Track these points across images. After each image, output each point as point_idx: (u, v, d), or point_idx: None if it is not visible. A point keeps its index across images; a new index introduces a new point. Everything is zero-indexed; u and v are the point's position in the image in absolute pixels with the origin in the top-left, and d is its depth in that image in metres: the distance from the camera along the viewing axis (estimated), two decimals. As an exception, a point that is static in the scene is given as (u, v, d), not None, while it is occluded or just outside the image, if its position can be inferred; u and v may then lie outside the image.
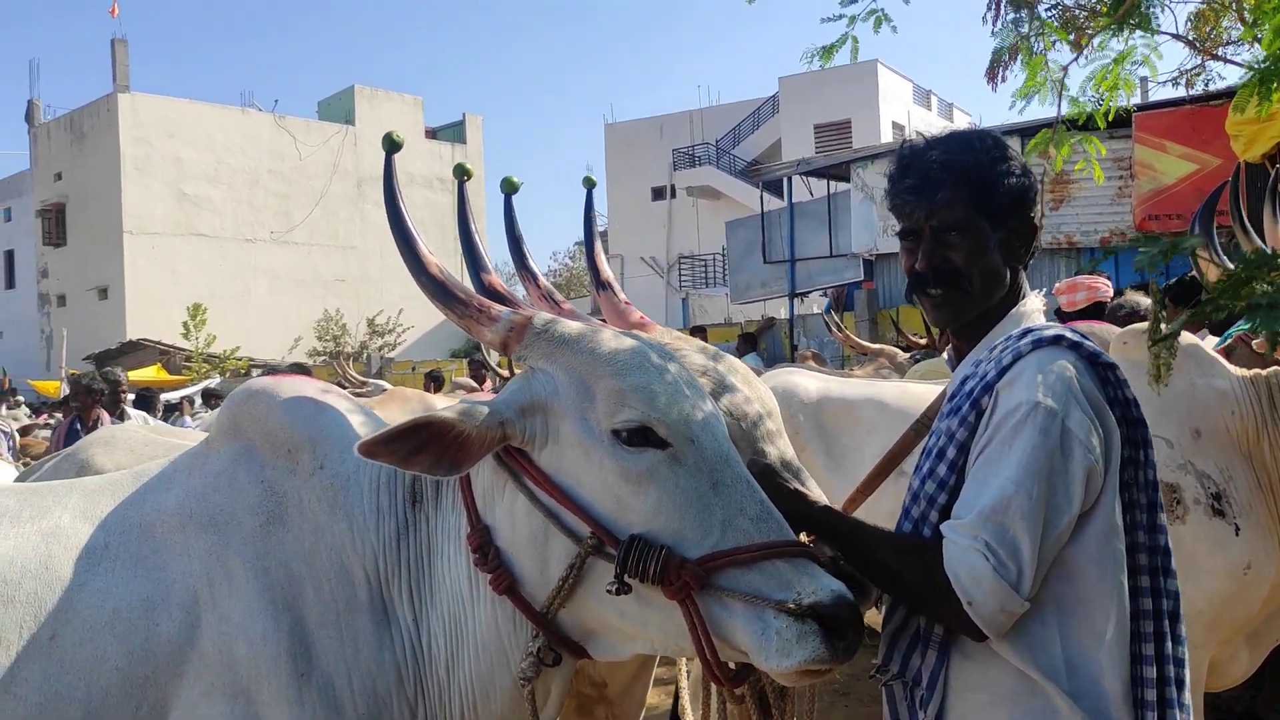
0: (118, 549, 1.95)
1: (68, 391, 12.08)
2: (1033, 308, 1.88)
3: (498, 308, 1.95)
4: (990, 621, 1.62)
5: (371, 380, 12.16)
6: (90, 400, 7.78)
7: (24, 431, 10.32)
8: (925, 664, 1.75)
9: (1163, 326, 1.52)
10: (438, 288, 1.96)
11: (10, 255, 40.84)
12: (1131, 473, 1.73)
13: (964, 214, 1.84)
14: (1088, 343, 1.77)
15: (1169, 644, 1.72)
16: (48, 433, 10.21)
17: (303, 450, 2.00)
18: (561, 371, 1.86)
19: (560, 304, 2.21)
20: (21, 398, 18.78)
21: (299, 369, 8.94)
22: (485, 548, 1.86)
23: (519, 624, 1.88)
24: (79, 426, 7.53)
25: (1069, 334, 1.76)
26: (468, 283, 2.06)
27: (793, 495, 1.89)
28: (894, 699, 1.81)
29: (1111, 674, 1.67)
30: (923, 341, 8.57)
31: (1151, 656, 1.69)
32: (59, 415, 11.28)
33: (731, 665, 1.79)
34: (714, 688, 2.10)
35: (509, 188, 2.29)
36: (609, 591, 1.72)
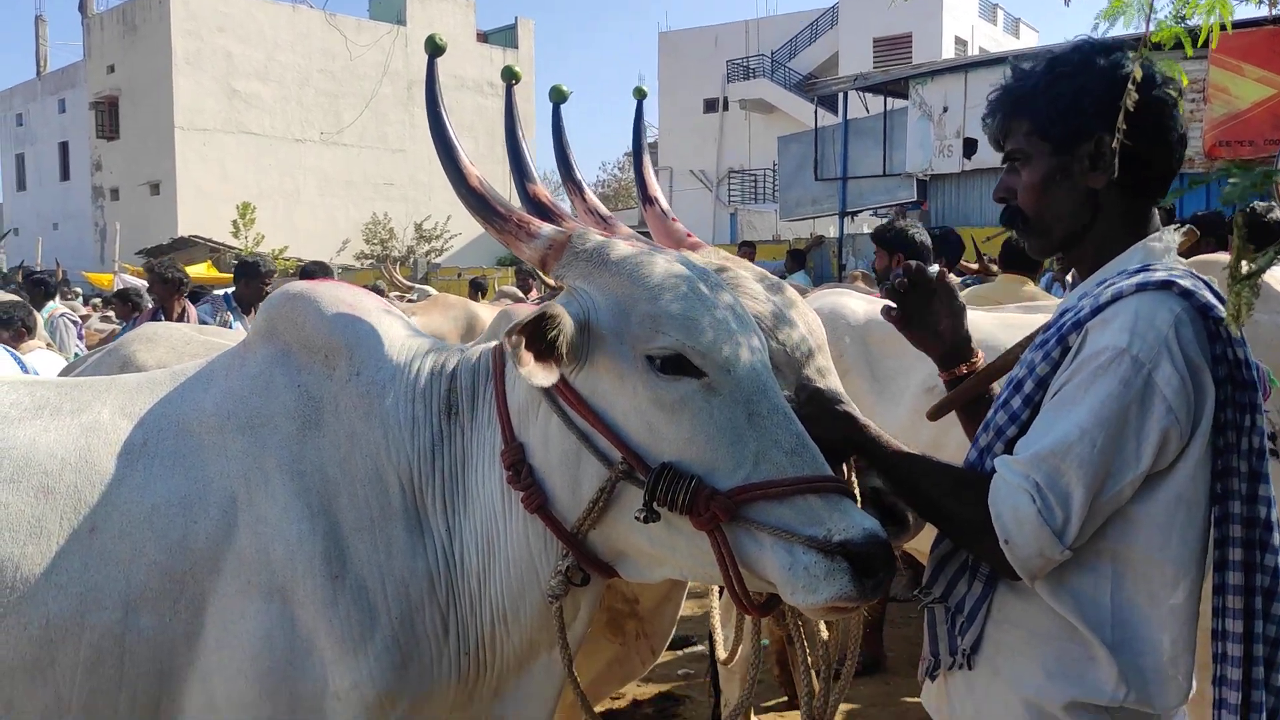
0: (155, 447, 1.96)
1: (120, 286, 12.21)
2: (1160, 245, 1.74)
3: (537, 224, 1.90)
4: (1025, 564, 1.58)
5: (417, 285, 12.21)
6: (168, 290, 7.26)
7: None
8: (970, 593, 1.72)
9: (1245, 265, 1.42)
10: (477, 200, 1.92)
11: (65, 147, 41.23)
12: (1232, 438, 1.62)
13: (1024, 142, 1.76)
14: (1203, 292, 1.63)
15: (1260, 622, 1.63)
16: (105, 325, 10.32)
17: (339, 356, 1.99)
18: (599, 293, 1.81)
19: (607, 218, 2.16)
20: (79, 290, 19.12)
21: (318, 267, 8.71)
22: (518, 465, 1.85)
23: (549, 542, 1.87)
24: (161, 319, 7.01)
25: (1183, 280, 1.63)
26: (513, 191, 2.01)
27: (842, 417, 1.85)
28: (934, 622, 1.78)
29: (1164, 635, 1.62)
30: (974, 267, 8.38)
31: (1238, 634, 1.62)
32: (109, 312, 11.36)
33: (760, 595, 1.77)
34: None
35: (558, 96, 2.23)
36: (637, 518, 1.71)
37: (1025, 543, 1.57)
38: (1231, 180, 1.56)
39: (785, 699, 5.15)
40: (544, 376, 1.71)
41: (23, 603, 1.84)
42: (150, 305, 7.78)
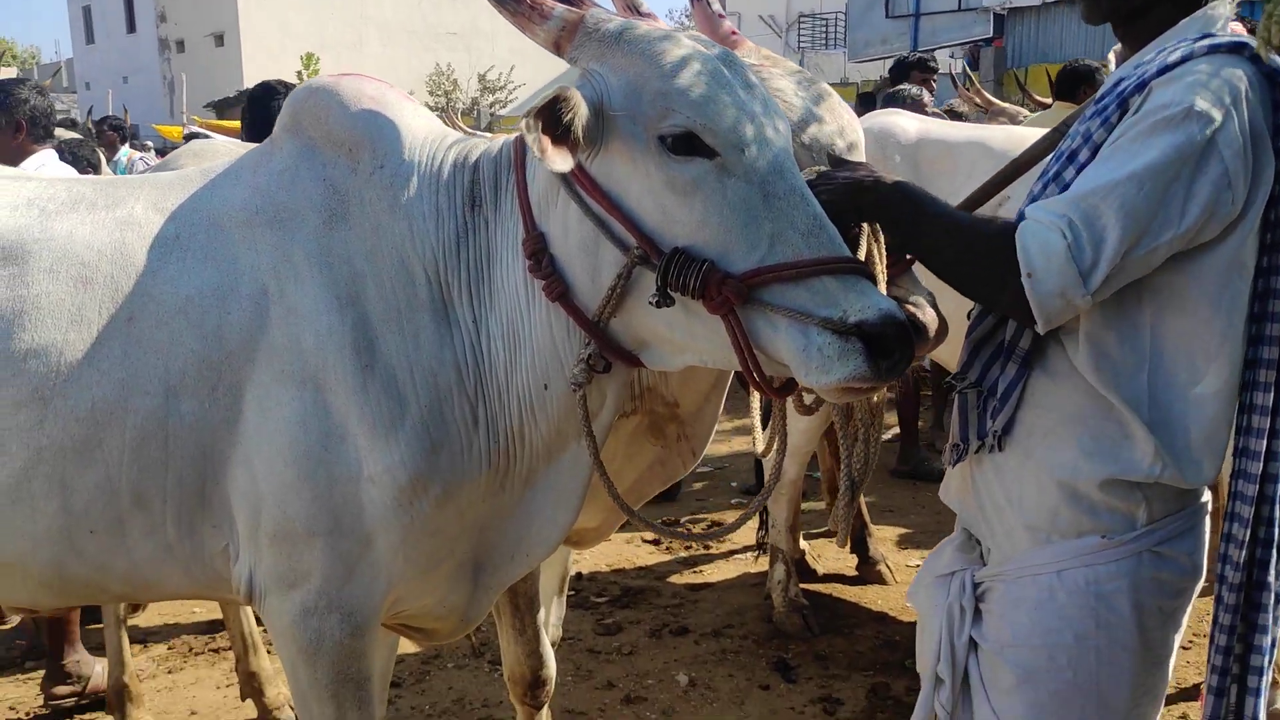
0: (188, 240, 1.99)
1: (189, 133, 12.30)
2: (1218, 14, 1.66)
3: (550, 3, 1.84)
4: (1045, 302, 1.54)
5: (480, 133, 12.08)
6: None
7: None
8: (1004, 376, 1.70)
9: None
10: None
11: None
12: None
13: None
14: (1275, 59, 1.56)
15: None
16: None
17: (363, 149, 1.99)
18: (612, 74, 1.76)
19: (646, 13, 2.08)
20: (149, 142, 19.32)
21: None
22: (539, 254, 1.85)
23: (572, 331, 1.88)
24: None
25: (1254, 43, 1.56)
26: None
27: (850, 185, 1.79)
28: (965, 407, 1.77)
29: (1202, 410, 1.60)
30: (1049, 103, 8.05)
31: (1266, 407, 1.60)
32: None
33: (778, 378, 1.77)
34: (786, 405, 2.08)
35: None
36: (651, 304, 1.71)
37: (1048, 278, 1.52)
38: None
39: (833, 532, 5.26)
40: (560, 161, 1.68)
41: (69, 386, 1.92)
42: None
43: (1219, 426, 1.63)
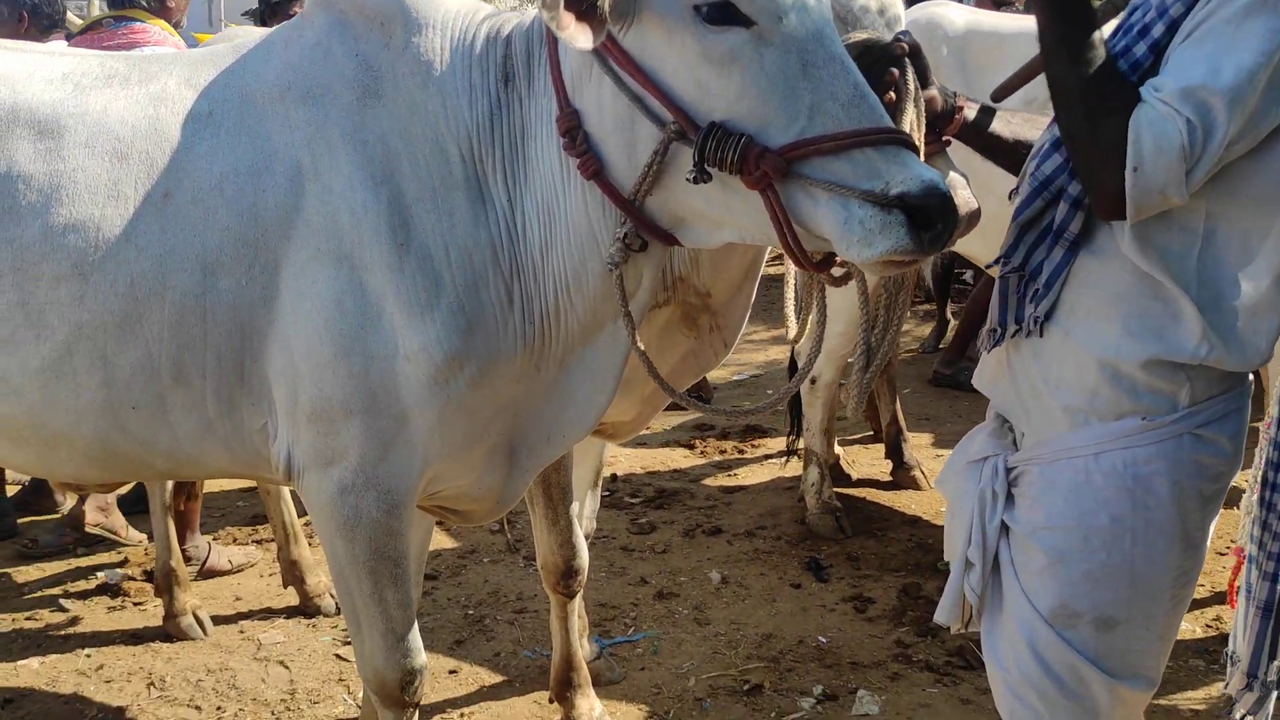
0: (221, 117, 1.98)
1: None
2: None
3: None
4: (1143, 198, 1.48)
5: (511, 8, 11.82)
6: None
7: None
8: (1049, 259, 1.66)
9: None
10: None
11: (165, -94, 40.61)
12: None
13: None
14: None
15: None
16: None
17: (395, 23, 1.95)
18: None
19: None
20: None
21: None
22: (574, 132, 1.81)
23: (608, 210, 1.85)
24: None
25: None
26: None
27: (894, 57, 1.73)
28: (1005, 292, 1.73)
29: (1253, 294, 1.56)
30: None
31: None
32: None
33: (816, 253, 1.74)
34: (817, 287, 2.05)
35: None
36: (688, 180, 1.67)
37: (1154, 174, 1.47)
38: None
39: (871, 433, 5.25)
40: (582, 38, 1.64)
41: (107, 262, 1.93)
42: None
43: (1269, 311, 1.58)
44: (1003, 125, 1.94)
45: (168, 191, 1.95)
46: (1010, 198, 1.77)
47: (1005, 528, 1.74)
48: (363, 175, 1.91)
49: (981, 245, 2.79)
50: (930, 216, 1.55)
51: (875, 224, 1.55)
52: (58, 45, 4.08)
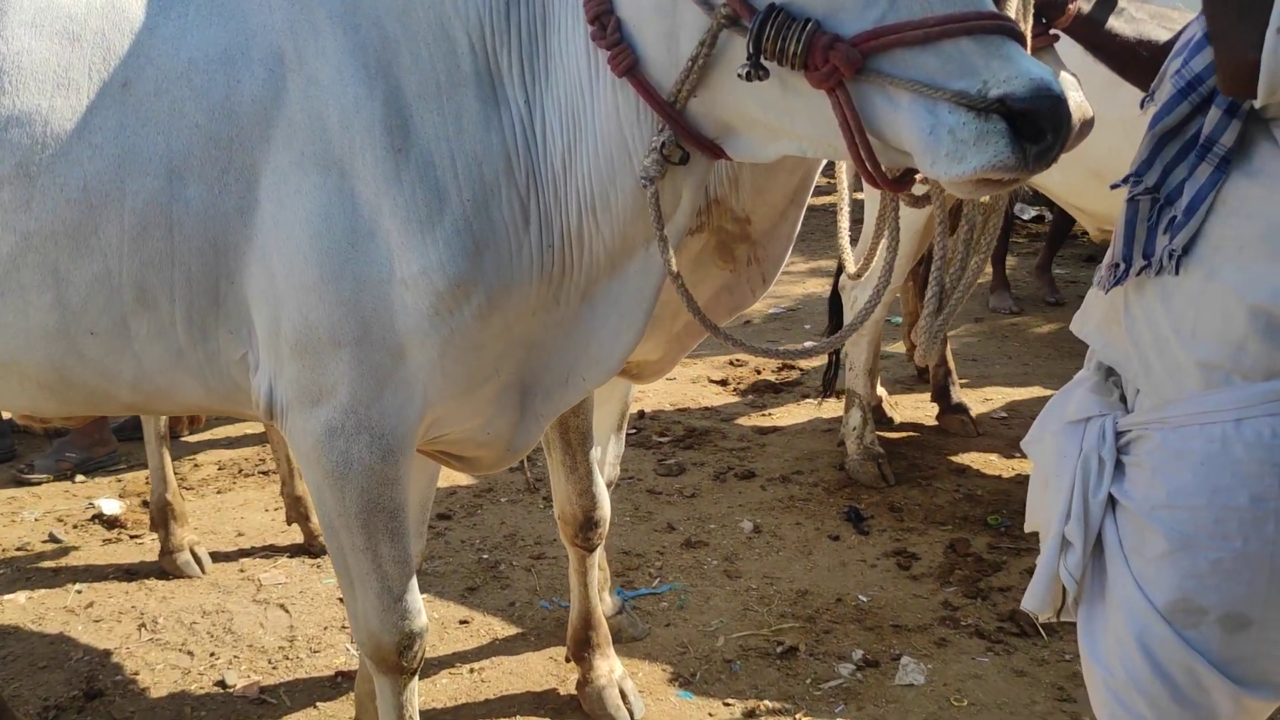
0: (190, -8, 1.68)
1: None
2: None
3: None
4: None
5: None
6: None
7: None
8: (1192, 179, 1.34)
9: None
10: None
11: None
12: None
13: None
14: None
15: None
16: None
17: (395, -120, 1.63)
18: None
19: None
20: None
21: None
22: (604, 18, 1.51)
23: (643, 113, 1.56)
24: None
25: None
26: None
27: None
28: (1134, 219, 1.41)
29: None
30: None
31: None
32: None
33: (894, 169, 1.44)
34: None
35: None
36: (740, 76, 1.37)
37: None
38: None
39: (915, 373, 4.95)
40: None
41: (56, 161, 1.66)
42: None
43: None
44: (1123, 22, 1.61)
45: (126, 81, 1.67)
46: (1142, 106, 1.45)
47: (1113, 502, 1.44)
48: (354, 65, 1.62)
49: (1058, 174, 2.46)
50: (1039, 124, 1.24)
51: (970, 133, 1.24)
52: None
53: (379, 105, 1.62)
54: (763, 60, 1.36)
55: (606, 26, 1.52)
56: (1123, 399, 1.50)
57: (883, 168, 1.38)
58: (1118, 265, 1.43)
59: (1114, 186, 1.45)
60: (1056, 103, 1.25)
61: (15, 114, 1.66)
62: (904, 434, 4.36)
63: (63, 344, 1.76)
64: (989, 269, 5.92)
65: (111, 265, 1.70)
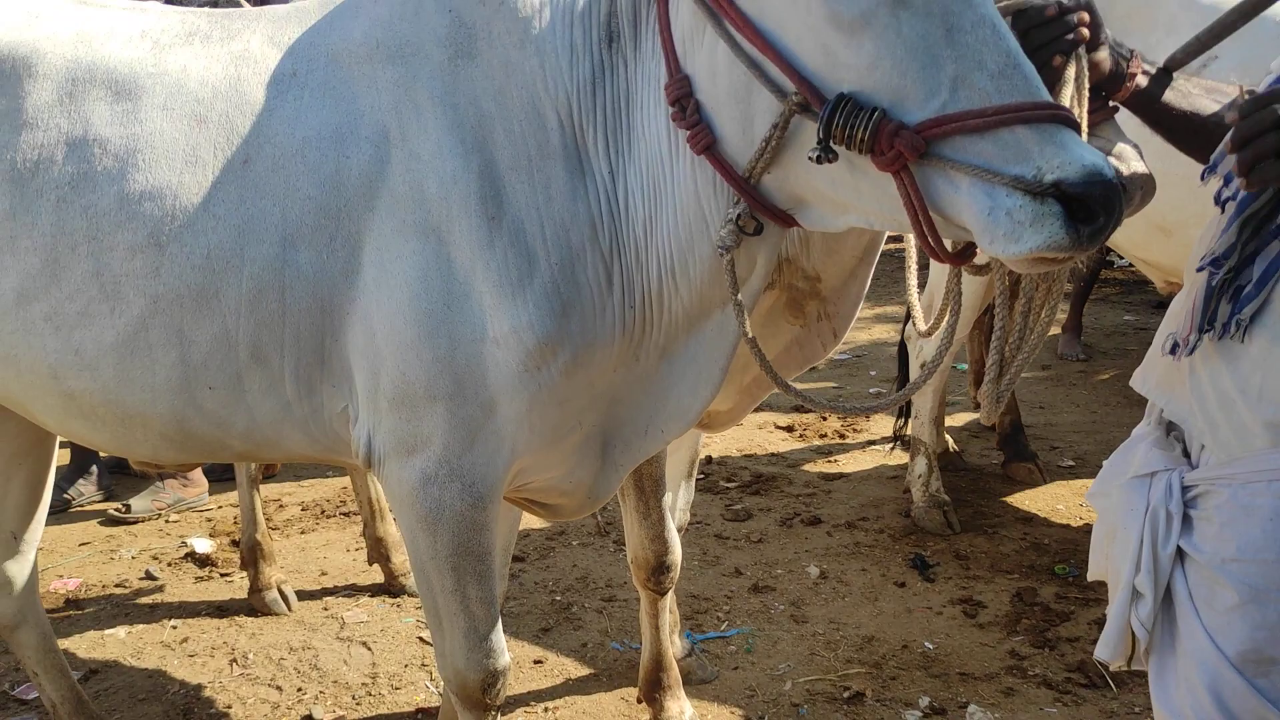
0: (305, 77, 1.84)
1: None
2: None
3: None
4: None
5: None
6: None
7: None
8: (1264, 253, 1.41)
9: None
10: None
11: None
12: None
13: None
14: None
15: None
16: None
17: (492, -25, 1.78)
18: None
19: None
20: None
21: None
22: (684, 100, 1.62)
23: (719, 188, 1.67)
24: None
25: None
26: None
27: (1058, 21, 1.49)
28: (1209, 294, 1.47)
29: None
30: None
31: None
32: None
33: (956, 243, 1.53)
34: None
35: None
36: (810, 159, 1.47)
37: None
38: None
39: (980, 419, 4.97)
40: None
41: (184, 231, 1.82)
42: None
43: None
44: (1178, 96, 1.69)
45: (247, 158, 1.82)
46: (1203, 179, 1.52)
47: (1181, 555, 1.50)
48: (453, 141, 1.75)
49: (1123, 229, 2.52)
50: (1091, 208, 1.31)
51: (1026, 215, 1.32)
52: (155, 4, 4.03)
53: (475, 177, 1.75)
54: (832, 144, 1.45)
55: (686, 108, 1.62)
56: (1185, 453, 1.56)
57: (944, 243, 1.47)
58: (1188, 339, 1.49)
59: (1199, 270, 1.51)
60: (1108, 187, 1.32)
61: (148, 189, 1.82)
62: (969, 481, 4.38)
63: (184, 397, 1.91)
64: (1063, 312, 5.92)
65: (230, 325, 1.85)
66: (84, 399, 1.94)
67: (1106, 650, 1.60)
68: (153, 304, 1.84)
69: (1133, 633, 1.56)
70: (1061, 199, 1.32)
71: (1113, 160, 1.67)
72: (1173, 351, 1.52)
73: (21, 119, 1.88)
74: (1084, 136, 1.58)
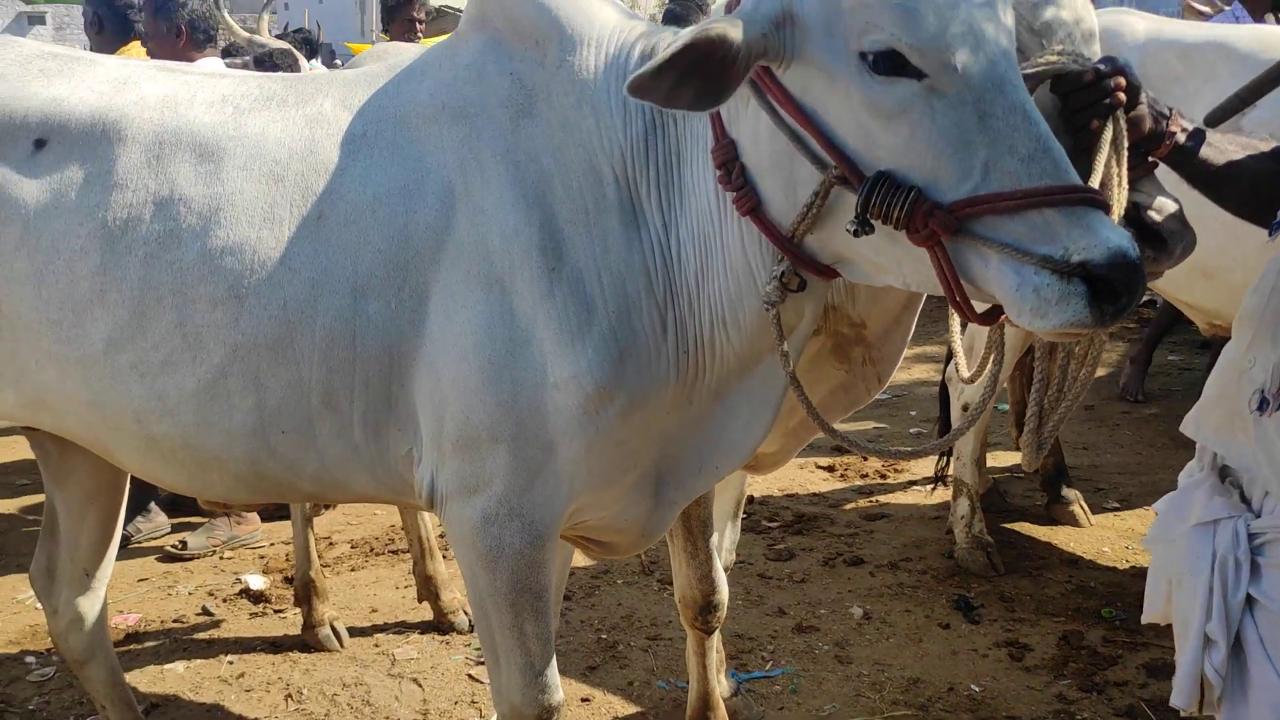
0: (375, 138, 1.95)
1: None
2: None
3: None
4: None
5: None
6: None
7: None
8: None
9: None
10: None
11: (320, -81, 42.28)
12: None
13: None
14: None
15: None
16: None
17: (550, 40, 1.88)
18: None
19: None
20: (339, 62, 19.92)
21: None
22: (730, 165, 1.71)
23: (765, 246, 1.75)
24: None
25: None
26: None
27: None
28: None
29: None
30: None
31: None
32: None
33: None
34: None
35: None
36: (849, 231, 1.55)
37: None
38: None
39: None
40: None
41: (262, 285, 1.92)
42: None
43: None
44: (1214, 152, 1.76)
45: (321, 214, 1.93)
46: (1271, 235, 1.58)
47: (1250, 601, 1.54)
48: (514, 196, 1.85)
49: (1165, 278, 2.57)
50: (1115, 289, 1.38)
51: (1052, 293, 1.40)
52: (213, 63, 4.20)
53: (535, 230, 1.84)
54: (869, 219, 1.53)
55: (732, 172, 1.70)
56: (1243, 498, 1.61)
57: (976, 308, 1.54)
58: (1267, 401, 1.54)
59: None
60: (1131, 269, 1.39)
61: (229, 245, 1.93)
62: (1013, 523, 4.39)
63: (259, 441, 2.00)
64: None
65: (303, 373, 1.94)
66: (165, 442, 2.05)
67: (1181, 698, 1.63)
68: (232, 353, 1.94)
69: (1203, 679, 1.59)
70: (1087, 279, 1.39)
71: (1151, 214, 1.74)
72: (1260, 408, 1.56)
73: (112, 180, 2.00)
74: (1122, 199, 1.65)
